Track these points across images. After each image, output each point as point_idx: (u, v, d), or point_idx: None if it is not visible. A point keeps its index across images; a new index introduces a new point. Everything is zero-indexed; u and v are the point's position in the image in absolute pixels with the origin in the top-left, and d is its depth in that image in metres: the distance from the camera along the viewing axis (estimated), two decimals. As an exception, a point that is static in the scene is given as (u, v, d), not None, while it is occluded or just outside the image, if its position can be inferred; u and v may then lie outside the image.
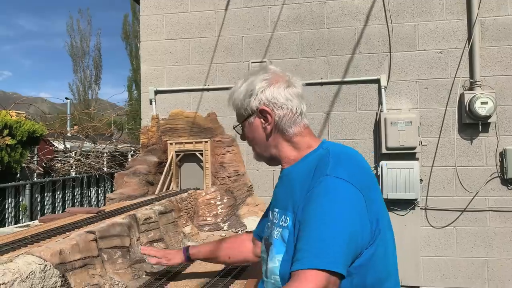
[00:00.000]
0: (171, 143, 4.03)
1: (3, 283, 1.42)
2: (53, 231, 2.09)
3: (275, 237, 1.27)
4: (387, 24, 3.86)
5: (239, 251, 1.77)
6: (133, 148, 9.85)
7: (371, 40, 3.90)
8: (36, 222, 2.61)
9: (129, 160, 8.93)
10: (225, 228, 3.64)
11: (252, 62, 4.04)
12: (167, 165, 3.92)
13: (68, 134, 9.99)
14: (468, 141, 3.71)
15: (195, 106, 4.17)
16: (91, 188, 7.42)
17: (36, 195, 5.90)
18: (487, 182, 3.63)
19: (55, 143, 8.53)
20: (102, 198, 7.75)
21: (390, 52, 3.86)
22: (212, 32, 4.16)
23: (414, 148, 3.62)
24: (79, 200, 7.03)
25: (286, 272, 1.15)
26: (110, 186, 8.06)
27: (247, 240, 1.75)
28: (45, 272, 1.61)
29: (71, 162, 7.32)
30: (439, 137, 3.74)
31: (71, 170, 7.21)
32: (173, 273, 2.21)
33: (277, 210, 1.33)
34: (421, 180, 3.68)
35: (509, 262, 3.61)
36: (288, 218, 1.24)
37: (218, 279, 2.10)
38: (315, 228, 1.09)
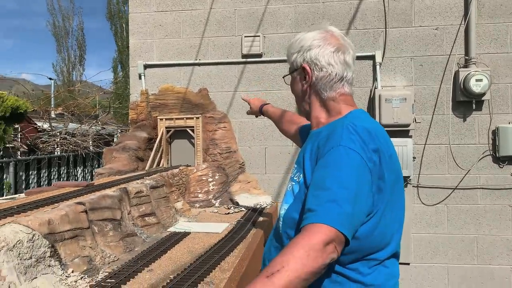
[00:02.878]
0: (161, 119, 3.93)
1: (-11, 251, 1.34)
2: (41, 201, 2.00)
3: (288, 189, 1.37)
4: (383, -1, 3.78)
5: (291, 130, 2.07)
6: (119, 129, 9.66)
7: (366, 16, 3.83)
8: (22, 195, 2.51)
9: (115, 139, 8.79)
10: (216, 204, 3.59)
11: (245, 36, 3.93)
12: (157, 141, 3.83)
13: (52, 114, 9.75)
14: (461, 119, 3.70)
15: (186, 81, 4.06)
16: (78, 167, 7.28)
17: (21, 173, 5.75)
18: (479, 160, 3.64)
19: (39, 123, 8.32)
20: (89, 176, 7.62)
21: (385, 28, 3.80)
22: (204, 5, 4.02)
23: (408, 125, 3.60)
24: (65, 178, 6.90)
25: (289, 218, 1.28)
26: (97, 165, 7.92)
27: (296, 125, 2.00)
28: (33, 242, 1.54)
29: (56, 140, 7.15)
30: (433, 114, 3.72)
31: (57, 149, 7.04)
32: (168, 246, 2.16)
33: (295, 166, 1.39)
34: (414, 157, 3.67)
35: (498, 239, 3.65)
36: (301, 175, 1.30)
37: (214, 251, 2.06)
38: (326, 190, 1.12)
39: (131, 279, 1.68)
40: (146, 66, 4.08)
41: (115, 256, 1.98)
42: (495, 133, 3.62)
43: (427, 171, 3.72)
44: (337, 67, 1.34)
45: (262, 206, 3.50)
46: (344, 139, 1.20)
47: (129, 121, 4.12)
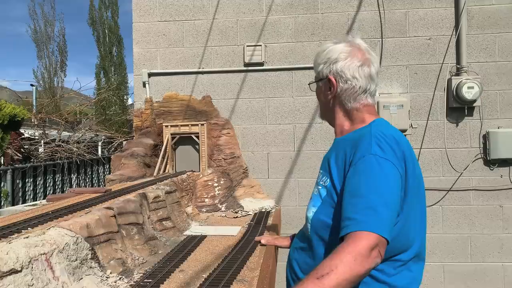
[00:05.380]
0: (166, 126, 4.02)
1: (44, 253, 1.43)
2: (72, 207, 2.08)
3: (315, 192, 1.45)
4: (379, 10, 3.97)
5: None
6: (103, 137, 9.56)
7: (363, 26, 4.01)
8: (43, 201, 2.57)
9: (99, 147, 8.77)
10: (223, 209, 3.70)
11: (247, 46, 4.06)
12: (163, 147, 3.91)
13: (34, 121, 9.61)
14: (454, 124, 3.90)
15: (189, 89, 4.17)
16: (72, 174, 7.27)
17: (18, 181, 5.73)
18: (472, 162, 3.84)
19: (31, 130, 8.27)
20: (83, 184, 7.61)
21: (381, 38, 3.99)
22: (207, 15, 4.14)
23: (405, 131, 3.78)
24: (60, 186, 6.89)
25: (317, 221, 1.37)
26: (90, 173, 7.92)
27: None
28: (77, 245, 1.63)
29: (51, 147, 7.13)
30: (428, 120, 3.92)
31: (57, 156, 7.02)
32: (190, 248, 2.26)
33: (321, 171, 1.48)
34: (410, 161, 3.84)
35: (490, 238, 3.86)
36: (327, 179, 1.39)
37: (236, 252, 2.17)
38: (363, 198, 1.19)
39: (166, 279, 1.78)
40: (150, 74, 4.17)
41: (143, 259, 2.07)
42: (485, 137, 3.83)
43: (423, 174, 3.88)
44: (362, 81, 1.43)
45: (267, 210, 3.62)
46: (374, 147, 1.27)
47: (134, 128, 4.20)
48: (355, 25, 4.01)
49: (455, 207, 3.89)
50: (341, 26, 4.02)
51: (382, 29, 3.98)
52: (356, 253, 1.09)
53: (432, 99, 3.92)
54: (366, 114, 1.46)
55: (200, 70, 4.15)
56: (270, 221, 3.13)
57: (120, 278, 1.74)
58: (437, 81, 3.92)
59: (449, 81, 3.86)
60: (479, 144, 3.87)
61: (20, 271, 1.30)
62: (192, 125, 4.01)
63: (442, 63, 3.92)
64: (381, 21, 3.98)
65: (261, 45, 4.06)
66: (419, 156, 3.90)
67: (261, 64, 4.08)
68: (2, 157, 6.12)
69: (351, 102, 1.45)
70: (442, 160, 3.90)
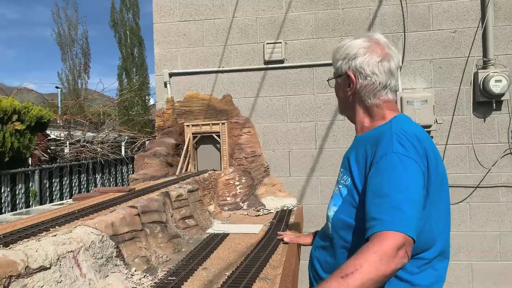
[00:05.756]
0: (187, 125, 4.05)
1: (71, 251, 1.46)
2: (97, 206, 2.12)
3: (335, 191, 1.42)
4: (401, 4, 3.89)
5: None
6: (126, 137, 9.72)
7: (385, 21, 3.94)
8: (70, 200, 2.63)
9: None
10: (244, 207, 3.70)
11: (267, 43, 4.05)
12: (185, 146, 3.95)
13: (59, 123, 9.84)
14: (482, 119, 3.79)
15: (210, 88, 4.19)
16: (96, 174, 7.42)
17: (45, 181, 5.89)
18: (501, 157, 3.73)
19: (57, 132, 8.49)
20: (107, 184, 7.76)
21: (404, 32, 3.90)
22: (226, 14, 4.15)
23: (429, 127, 3.69)
24: (85, 186, 7.04)
25: (337, 220, 1.35)
26: (114, 173, 8.07)
27: None
28: (103, 243, 1.66)
29: (76, 148, 7.30)
30: (453, 115, 3.82)
31: (82, 156, 7.19)
32: (213, 246, 2.27)
33: (342, 170, 1.45)
34: (435, 157, 3.76)
35: (520, 236, 3.73)
36: (348, 178, 1.37)
37: (259, 250, 2.16)
38: (387, 197, 1.16)
39: (190, 276, 1.79)
40: (171, 75, 4.21)
41: (166, 256, 2.09)
42: (515, 132, 3.71)
43: (448, 170, 3.76)
44: (381, 76, 1.38)
45: (289, 208, 3.60)
46: (395, 145, 1.24)
47: (156, 128, 4.25)
48: (376, 20, 3.94)
49: (483, 204, 3.78)
50: (363, 21, 3.96)
51: (404, 23, 3.90)
52: (381, 253, 1.06)
53: (458, 93, 3.82)
54: (387, 111, 1.42)
55: (220, 69, 4.16)
56: (292, 219, 3.11)
57: (144, 276, 1.76)
58: (463, 75, 3.81)
59: (476, 74, 3.75)
60: (508, 139, 3.75)
61: (49, 268, 1.33)
62: (213, 124, 4.03)
63: (468, 57, 3.81)
64: (403, 15, 3.90)
65: (281, 42, 4.04)
66: (444, 152, 3.80)
67: (281, 61, 4.06)
68: (30, 158, 6.31)
69: (371, 99, 1.41)
70: (469, 156, 3.79)
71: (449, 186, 1.44)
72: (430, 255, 1.29)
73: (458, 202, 3.78)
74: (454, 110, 3.82)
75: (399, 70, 1.46)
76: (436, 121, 3.75)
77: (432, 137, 3.79)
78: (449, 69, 3.84)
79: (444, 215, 1.36)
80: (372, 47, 1.40)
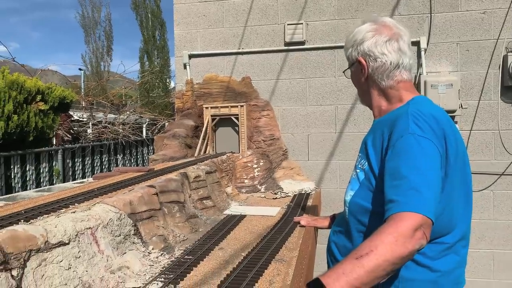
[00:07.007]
0: (206, 107, 4.04)
1: (90, 228, 1.48)
2: (116, 185, 2.15)
3: (353, 176, 1.42)
4: (428, -17, 3.74)
5: None
6: (147, 120, 9.79)
7: (411, 1, 3.80)
8: (90, 179, 2.68)
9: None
10: (262, 190, 3.70)
11: (288, 24, 3.98)
12: (203, 128, 3.95)
13: (82, 104, 10.00)
14: (510, 104, 3.65)
15: (229, 70, 4.15)
16: (118, 155, 7.55)
17: (68, 161, 6.03)
18: (528, 145, 3.60)
19: (79, 112, 8.64)
20: (128, 164, 7.89)
21: (430, 13, 3.76)
22: (247, -6, 4.08)
23: (454, 111, 3.58)
24: (106, 166, 7.18)
25: (354, 204, 1.35)
26: (135, 154, 8.19)
27: None
28: (120, 220, 1.68)
29: (98, 129, 7.43)
30: (479, 100, 3.69)
31: (103, 137, 7.32)
32: (230, 227, 2.28)
33: (360, 154, 1.44)
34: (459, 143, 3.65)
35: (546, 226, 3.62)
36: (365, 162, 1.36)
37: (275, 232, 2.16)
38: (404, 179, 1.14)
39: (206, 256, 1.80)
40: (190, 56, 4.19)
41: (184, 236, 2.11)
42: (545, 118, 3.56)
43: (472, 157, 3.69)
44: (392, 56, 1.37)
45: (307, 192, 3.58)
46: (411, 126, 1.21)
47: (175, 110, 4.26)
48: (402, 1, 3.81)
49: (508, 192, 3.67)
50: (387, 1, 3.83)
51: (431, 4, 3.75)
52: (398, 234, 1.04)
53: (485, 77, 3.68)
54: (403, 91, 1.39)
55: (240, 50, 4.11)
56: (310, 203, 3.10)
57: (161, 254, 1.78)
58: (491, 58, 3.66)
59: (505, 57, 3.60)
60: (537, 126, 3.61)
61: (68, 243, 1.36)
62: (232, 106, 4.01)
63: (498, 39, 3.65)
64: (430, -5, 3.75)
65: (302, 23, 3.96)
66: (468, 138, 3.69)
67: (302, 43, 3.98)
68: (53, 138, 6.45)
69: (384, 80, 1.40)
70: (495, 142, 3.67)
71: (473, 173, 1.40)
72: (452, 239, 1.27)
73: (482, 190, 3.68)
74: (481, 95, 3.69)
75: (410, 48, 1.42)
76: (461, 106, 3.63)
77: (456, 122, 3.68)
78: (477, 51, 3.70)
79: (465, 199, 1.33)
80: (379, 29, 1.39)
